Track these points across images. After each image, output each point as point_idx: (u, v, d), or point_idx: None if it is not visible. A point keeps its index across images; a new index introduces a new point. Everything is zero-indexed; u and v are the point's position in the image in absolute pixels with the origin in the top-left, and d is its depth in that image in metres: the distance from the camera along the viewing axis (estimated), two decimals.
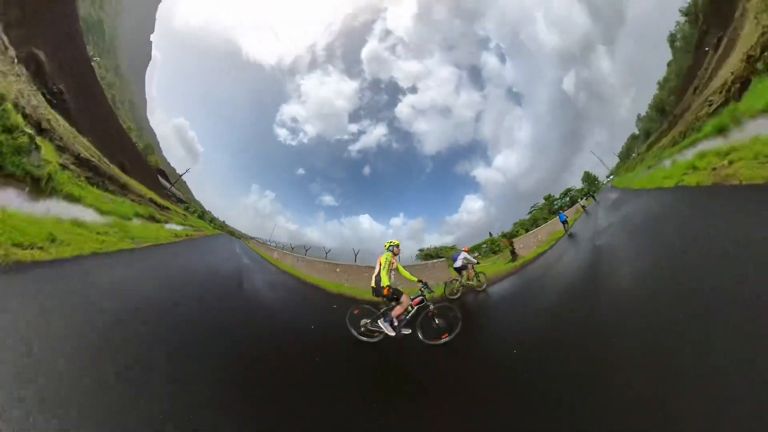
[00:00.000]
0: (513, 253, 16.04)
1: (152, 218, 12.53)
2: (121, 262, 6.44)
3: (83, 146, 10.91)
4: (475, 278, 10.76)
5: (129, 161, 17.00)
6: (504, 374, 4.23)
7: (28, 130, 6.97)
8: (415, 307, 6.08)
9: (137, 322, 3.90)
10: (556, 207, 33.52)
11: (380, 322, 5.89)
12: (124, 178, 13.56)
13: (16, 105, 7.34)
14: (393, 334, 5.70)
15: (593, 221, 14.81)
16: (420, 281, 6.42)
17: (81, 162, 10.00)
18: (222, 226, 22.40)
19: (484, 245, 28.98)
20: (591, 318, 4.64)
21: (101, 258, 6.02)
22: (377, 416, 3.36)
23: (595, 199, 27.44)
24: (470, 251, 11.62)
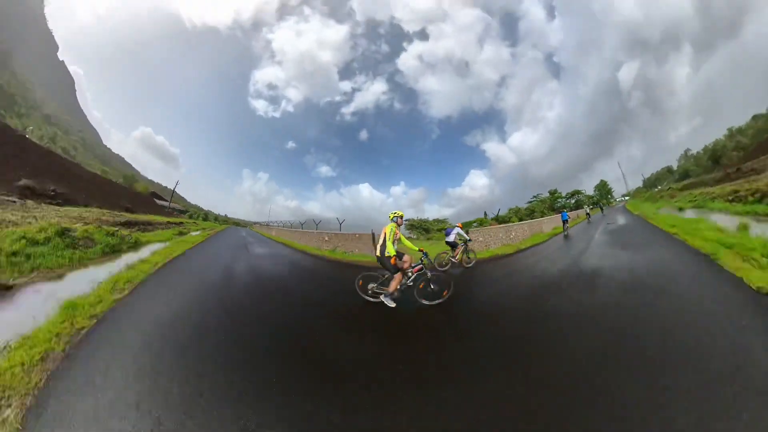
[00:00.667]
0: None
1: (181, 233, 15.72)
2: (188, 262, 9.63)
3: (95, 214, 12.30)
4: (464, 255, 10.81)
5: (129, 201, 18.94)
6: (479, 324, 5.31)
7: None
8: (415, 274, 6.64)
9: (219, 295, 6.56)
10: (558, 204, 30.25)
11: (382, 298, 6.43)
12: (142, 217, 16.25)
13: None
14: (393, 305, 6.25)
15: (590, 235, 13.72)
16: (420, 250, 6.94)
17: (104, 222, 12.57)
18: (225, 220, 25.12)
19: (475, 224, 27.09)
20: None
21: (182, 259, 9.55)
22: (383, 358, 4.15)
23: (602, 212, 24.04)
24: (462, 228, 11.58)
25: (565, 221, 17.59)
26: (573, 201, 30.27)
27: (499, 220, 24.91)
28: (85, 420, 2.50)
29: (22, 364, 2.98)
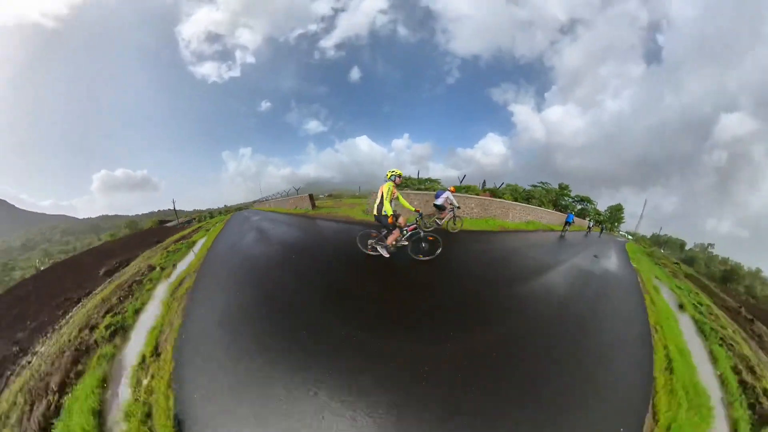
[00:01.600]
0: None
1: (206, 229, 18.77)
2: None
3: (153, 253, 15.28)
4: (451, 221, 10.62)
5: (153, 237, 21.24)
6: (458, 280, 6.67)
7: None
8: (410, 232, 7.05)
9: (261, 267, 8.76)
10: (562, 202, 26.67)
11: (378, 248, 6.97)
12: (173, 238, 18.94)
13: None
14: (387, 255, 6.89)
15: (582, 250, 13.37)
16: (417, 211, 7.40)
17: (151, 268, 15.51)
18: (227, 210, 27.66)
19: (464, 190, 23.21)
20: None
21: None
22: (383, 299, 5.18)
23: (600, 234, 21.77)
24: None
25: (569, 223, 17.40)
26: (578, 207, 26.74)
27: (495, 194, 21.90)
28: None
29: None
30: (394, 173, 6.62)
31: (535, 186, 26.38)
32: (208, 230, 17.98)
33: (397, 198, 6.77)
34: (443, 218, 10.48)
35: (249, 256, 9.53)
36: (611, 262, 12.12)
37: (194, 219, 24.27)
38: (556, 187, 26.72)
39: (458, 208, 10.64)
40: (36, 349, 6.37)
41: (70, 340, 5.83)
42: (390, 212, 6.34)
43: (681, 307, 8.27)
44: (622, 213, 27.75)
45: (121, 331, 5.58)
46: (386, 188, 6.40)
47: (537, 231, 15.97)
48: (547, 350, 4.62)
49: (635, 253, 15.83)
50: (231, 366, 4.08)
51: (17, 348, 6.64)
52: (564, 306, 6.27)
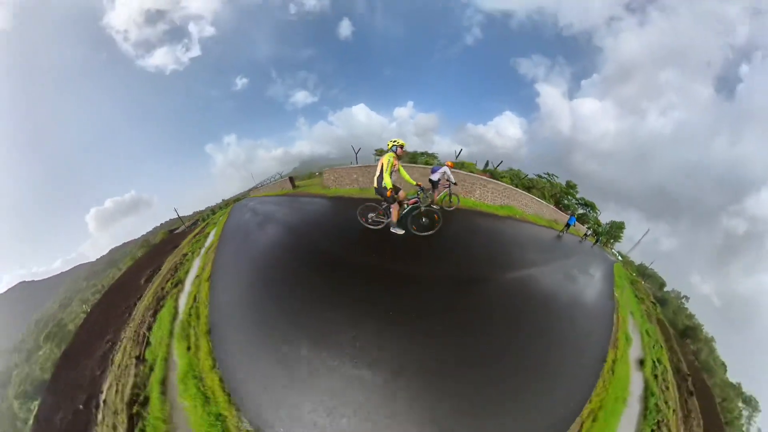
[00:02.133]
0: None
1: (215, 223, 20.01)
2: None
3: (174, 257, 17.35)
4: (447, 198, 10.51)
5: (169, 244, 22.52)
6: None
7: None
8: (410, 206, 6.92)
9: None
10: (563, 202, 24.24)
11: (391, 228, 6.89)
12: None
13: None
14: (402, 232, 6.79)
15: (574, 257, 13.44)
16: (418, 185, 7.00)
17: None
18: (228, 203, 28.57)
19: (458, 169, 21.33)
20: None
21: None
22: (382, 268, 5.79)
23: (594, 244, 20.78)
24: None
25: (569, 225, 17.53)
26: (580, 211, 24.53)
27: (495, 176, 20.32)
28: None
29: None
30: (395, 143, 6.34)
31: (540, 176, 23.99)
32: (215, 223, 19.13)
33: (399, 170, 6.48)
34: (437, 194, 10.28)
35: (255, 236, 10.81)
36: (595, 281, 11.85)
37: (198, 220, 25.38)
38: (563, 183, 24.47)
39: (455, 184, 10.44)
40: (122, 336, 7.93)
41: (143, 314, 7.38)
42: (390, 185, 6.11)
43: (641, 363, 8.37)
44: (622, 232, 25.73)
45: (179, 284, 7.18)
46: (386, 160, 6.14)
47: (510, 218, 14.43)
48: (517, 337, 5.48)
49: (621, 278, 15.56)
50: (244, 300, 5.94)
51: (110, 343, 8.24)
52: (543, 304, 6.85)
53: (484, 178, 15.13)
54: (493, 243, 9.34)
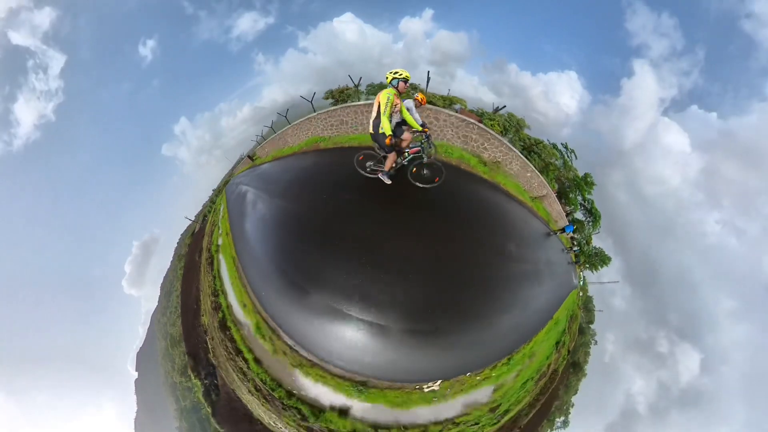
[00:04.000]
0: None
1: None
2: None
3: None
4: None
5: (193, 248, 25.46)
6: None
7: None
8: (411, 155, 5.99)
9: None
10: (568, 194, 18.55)
11: (380, 175, 6.15)
12: (203, 265, 22.84)
13: None
14: (389, 182, 6.34)
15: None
16: (425, 131, 5.60)
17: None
18: (220, 189, 30.21)
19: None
20: None
21: None
22: (379, 220, 6.86)
23: (572, 261, 17.42)
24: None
25: (564, 231, 15.87)
26: (580, 218, 19.45)
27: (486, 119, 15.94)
28: None
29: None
30: (397, 75, 4.95)
31: (555, 146, 18.01)
32: (219, 209, 21.50)
33: (401, 111, 5.27)
34: (404, 142, 7.23)
35: (255, 206, 12.74)
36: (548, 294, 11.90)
37: (204, 216, 28.03)
38: (581, 174, 18.45)
39: (423, 128, 6.99)
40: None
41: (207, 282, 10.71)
42: (388, 131, 4.92)
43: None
44: (605, 265, 21.04)
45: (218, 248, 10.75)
46: (384, 97, 4.87)
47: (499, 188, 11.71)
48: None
49: (566, 308, 14.77)
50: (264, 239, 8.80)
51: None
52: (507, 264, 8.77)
53: (472, 121, 11.81)
54: (477, 222, 8.93)
